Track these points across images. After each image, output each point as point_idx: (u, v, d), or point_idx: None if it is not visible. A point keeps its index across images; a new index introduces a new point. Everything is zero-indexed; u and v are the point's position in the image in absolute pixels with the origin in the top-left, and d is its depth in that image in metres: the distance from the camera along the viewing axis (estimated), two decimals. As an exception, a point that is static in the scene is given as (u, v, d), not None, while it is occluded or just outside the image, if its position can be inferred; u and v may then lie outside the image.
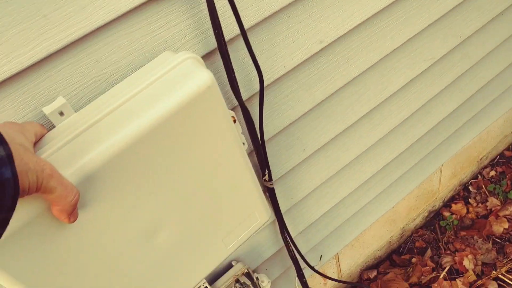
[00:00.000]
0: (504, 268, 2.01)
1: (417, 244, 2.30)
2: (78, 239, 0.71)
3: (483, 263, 2.12)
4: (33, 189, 0.55)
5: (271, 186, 1.27)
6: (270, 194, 1.28)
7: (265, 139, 1.19)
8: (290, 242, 1.45)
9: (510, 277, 1.96)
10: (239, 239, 1.09)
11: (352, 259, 2.05)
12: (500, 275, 1.98)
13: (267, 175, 1.23)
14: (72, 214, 0.64)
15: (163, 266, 0.92)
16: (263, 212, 1.11)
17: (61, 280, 0.73)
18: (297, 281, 1.61)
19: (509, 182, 2.39)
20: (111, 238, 0.77)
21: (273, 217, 1.43)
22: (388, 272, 2.17)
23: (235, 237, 1.07)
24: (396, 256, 2.27)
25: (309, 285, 1.66)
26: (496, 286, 1.96)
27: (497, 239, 2.21)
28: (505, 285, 1.96)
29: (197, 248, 0.98)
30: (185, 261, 0.97)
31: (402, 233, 2.28)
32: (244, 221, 1.07)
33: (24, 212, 0.62)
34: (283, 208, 1.41)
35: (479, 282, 2.01)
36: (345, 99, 1.36)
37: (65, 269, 0.73)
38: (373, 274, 2.18)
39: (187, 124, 0.76)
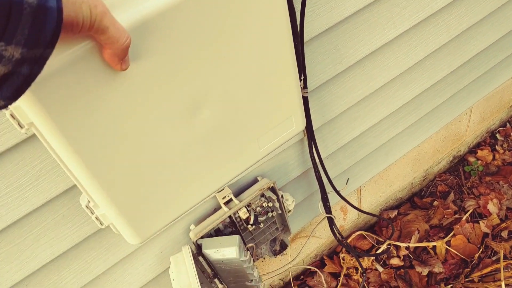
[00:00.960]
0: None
1: (439, 188, 2.25)
2: (124, 94, 0.67)
3: (508, 208, 2.07)
4: (86, 25, 0.49)
5: (305, 95, 1.22)
6: (304, 105, 1.23)
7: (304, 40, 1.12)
8: (318, 161, 1.41)
9: (536, 221, 1.91)
10: (273, 143, 1.04)
11: (373, 196, 2.01)
12: (525, 219, 1.94)
13: (302, 81, 1.17)
14: (124, 60, 0.59)
15: (200, 151, 0.88)
16: (300, 119, 1.06)
17: (99, 138, 0.69)
18: (320, 205, 1.57)
19: (539, 130, 2.31)
20: (157, 101, 0.72)
21: (302, 134, 1.39)
22: (409, 213, 2.14)
23: (269, 139, 1.03)
24: (418, 199, 2.23)
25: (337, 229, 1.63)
26: (521, 229, 1.92)
27: (523, 186, 2.15)
28: (530, 229, 1.92)
29: (234, 139, 0.93)
30: (221, 151, 0.93)
31: (425, 176, 2.23)
32: (281, 124, 1.03)
33: (71, 51, 0.58)
34: (314, 125, 1.36)
35: (503, 224, 1.96)
36: (386, 11, 1.29)
37: (106, 127, 0.68)
38: (393, 214, 2.15)
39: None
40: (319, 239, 1.96)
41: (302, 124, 1.08)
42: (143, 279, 1.35)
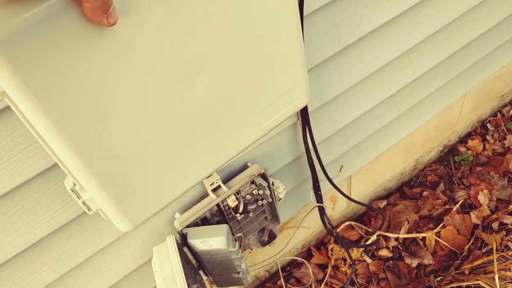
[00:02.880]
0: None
1: (429, 178, 2.20)
2: (108, 56, 0.57)
3: (498, 199, 2.03)
4: None
5: (301, 74, 1.14)
6: (299, 84, 1.14)
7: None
8: (312, 146, 1.33)
9: (527, 212, 1.88)
10: (275, 119, 0.96)
11: (363, 185, 1.95)
12: (516, 210, 1.90)
13: (299, 59, 1.09)
14: (109, 13, 0.51)
15: (195, 126, 0.79)
16: (304, 92, 0.98)
17: (83, 109, 0.60)
18: (312, 193, 1.50)
19: (529, 121, 2.28)
20: (149, 64, 0.63)
21: (296, 118, 1.31)
22: (398, 204, 2.08)
23: (271, 114, 0.94)
24: (407, 189, 2.18)
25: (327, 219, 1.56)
26: (512, 220, 1.89)
27: (513, 177, 2.12)
28: (521, 220, 1.88)
29: (233, 114, 0.85)
30: (218, 127, 0.84)
31: (415, 166, 2.18)
32: (284, 97, 0.94)
33: (45, 5, 0.49)
34: (309, 107, 1.28)
35: (494, 216, 1.93)
36: (388, -13, 1.21)
37: (90, 96, 0.59)
38: (382, 204, 2.09)
39: None
40: (306, 230, 1.89)
41: (307, 97, 0.99)
42: (124, 270, 1.26)
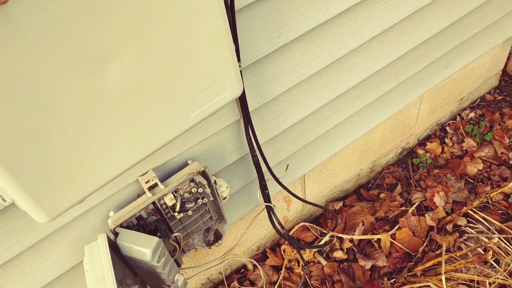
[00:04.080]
0: (476, 202, 1.93)
1: (387, 180, 2.20)
2: (5, 36, 0.54)
3: (454, 201, 2.04)
4: None
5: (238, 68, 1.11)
6: (236, 79, 1.12)
7: (235, 8, 1.01)
8: (254, 143, 1.31)
9: (480, 213, 1.88)
10: (205, 109, 0.93)
11: (318, 186, 1.93)
12: (469, 211, 1.90)
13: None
14: None
15: (113, 114, 0.76)
16: (235, 83, 0.96)
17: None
18: (259, 193, 1.48)
19: (487, 124, 2.29)
20: (50, 47, 0.60)
21: (239, 115, 1.28)
22: (355, 205, 2.07)
23: (200, 103, 0.91)
24: (364, 191, 2.17)
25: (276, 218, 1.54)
26: (465, 222, 1.88)
27: (470, 179, 2.13)
28: (474, 221, 1.88)
29: (155, 102, 0.82)
30: (139, 115, 0.81)
31: (372, 168, 2.17)
32: (213, 87, 0.92)
33: None
34: (251, 105, 1.26)
35: (448, 218, 1.92)
36: (329, -17, 1.20)
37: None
38: (338, 205, 2.08)
39: None
40: (261, 231, 1.87)
41: (238, 88, 0.97)
42: (57, 270, 1.21)
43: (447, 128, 2.35)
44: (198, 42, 0.81)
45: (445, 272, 1.59)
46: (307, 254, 1.91)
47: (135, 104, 0.79)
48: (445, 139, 2.30)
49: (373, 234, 1.96)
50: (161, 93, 0.82)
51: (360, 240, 1.96)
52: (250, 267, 1.93)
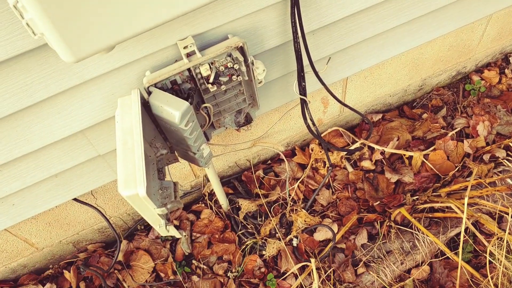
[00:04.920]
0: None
1: (433, 102, 2.12)
2: None
3: (498, 134, 1.95)
4: None
5: None
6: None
7: None
8: (299, 27, 1.26)
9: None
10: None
11: (360, 94, 1.88)
12: (511, 144, 1.82)
13: None
14: None
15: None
16: None
17: None
18: (295, 84, 1.46)
19: (556, 61, 2.13)
20: None
21: (286, -5, 1.23)
22: (394, 120, 2.03)
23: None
24: (407, 108, 2.11)
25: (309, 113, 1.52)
26: (505, 154, 1.82)
27: (521, 114, 2.02)
28: (514, 156, 1.82)
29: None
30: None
31: (421, 86, 2.09)
32: None
33: None
34: (300, -16, 1.20)
35: (487, 147, 1.86)
36: None
37: None
38: (377, 117, 2.04)
39: None
40: (293, 128, 1.87)
41: None
42: (91, 119, 1.27)
43: (511, 58, 2.19)
44: None
45: (470, 197, 1.57)
46: (335, 157, 1.92)
47: None
48: (505, 70, 2.16)
49: (407, 151, 1.93)
50: None
51: (392, 154, 1.94)
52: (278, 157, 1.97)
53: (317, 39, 1.43)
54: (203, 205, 1.90)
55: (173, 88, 1.25)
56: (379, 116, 2.04)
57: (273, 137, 1.85)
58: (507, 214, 1.61)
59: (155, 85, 1.20)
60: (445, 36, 1.79)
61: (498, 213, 1.65)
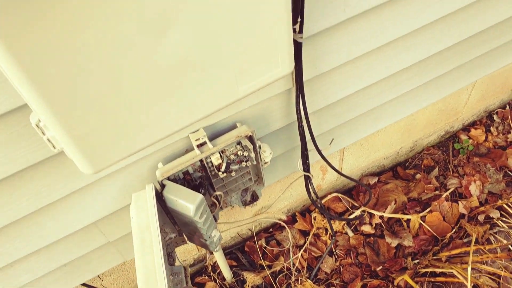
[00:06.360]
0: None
1: (425, 161, 2.19)
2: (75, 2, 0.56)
3: (490, 192, 2.02)
4: None
5: (299, 40, 1.11)
6: (296, 50, 1.12)
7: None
8: (304, 115, 1.32)
9: (515, 209, 1.87)
10: (254, 84, 0.95)
11: (356, 160, 1.94)
12: (504, 205, 1.89)
13: (298, 25, 1.06)
14: None
15: (166, 79, 0.78)
16: (287, 61, 0.96)
17: (46, 51, 0.59)
18: (299, 162, 1.50)
19: (537, 118, 2.23)
20: (117, 9, 0.62)
21: (291, 84, 1.29)
22: (389, 182, 2.08)
23: (250, 78, 0.93)
24: (401, 169, 2.17)
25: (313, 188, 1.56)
26: (499, 215, 1.88)
27: (510, 172, 2.09)
28: (507, 215, 1.87)
29: (208, 71, 0.84)
30: (191, 82, 0.83)
31: (413, 147, 2.16)
32: (265, 63, 0.93)
33: None
34: (304, 75, 1.26)
35: (482, 208, 1.92)
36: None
37: (55, 39, 0.58)
38: (373, 180, 2.09)
39: None
40: (293, 195, 1.91)
41: (289, 66, 0.98)
42: (104, 211, 1.28)
43: (495, 116, 2.29)
44: (259, 19, 0.82)
45: (471, 262, 1.61)
46: (336, 224, 1.95)
47: (189, 72, 0.81)
48: (491, 128, 2.26)
49: (404, 213, 1.98)
50: (215, 64, 0.84)
51: (390, 217, 1.98)
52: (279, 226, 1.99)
53: (319, 117, 1.48)
54: (206, 277, 1.89)
55: (185, 178, 1.27)
56: (375, 179, 2.09)
57: (274, 206, 1.88)
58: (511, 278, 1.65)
59: (168, 178, 1.22)
60: (434, 103, 1.87)
61: (501, 280, 1.69)
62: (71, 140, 0.79)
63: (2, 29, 0.54)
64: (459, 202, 1.96)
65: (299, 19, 1.04)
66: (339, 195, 2.01)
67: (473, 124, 2.29)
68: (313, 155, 1.52)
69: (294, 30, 1.06)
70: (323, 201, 2.01)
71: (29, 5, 0.54)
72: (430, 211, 1.96)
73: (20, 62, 0.59)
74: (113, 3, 0.61)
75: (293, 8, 0.99)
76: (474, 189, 2.00)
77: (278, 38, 0.88)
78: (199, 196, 1.17)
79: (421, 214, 1.94)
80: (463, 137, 2.23)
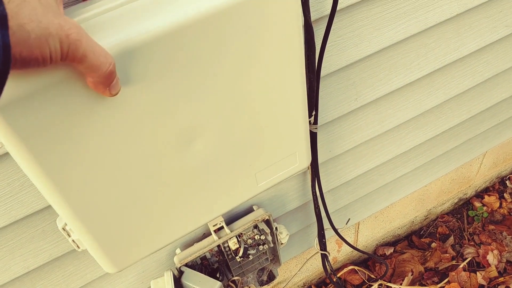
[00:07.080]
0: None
1: (440, 229, 2.17)
2: (108, 121, 0.60)
3: (508, 261, 1.99)
4: (57, 57, 0.44)
5: (314, 130, 1.15)
6: (311, 139, 1.16)
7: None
8: (320, 197, 1.34)
9: (536, 280, 1.83)
10: (272, 179, 0.98)
11: (371, 231, 1.93)
12: (525, 276, 1.86)
13: (313, 117, 1.10)
14: (111, 85, 0.53)
15: (190, 183, 0.81)
16: (305, 157, 0.99)
17: (76, 166, 0.62)
18: (316, 241, 1.50)
19: (551, 184, 2.23)
20: (146, 131, 0.66)
21: (307, 167, 1.32)
22: (405, 252, 2.06)
23: (269, 175, 0.96)
24: (416, 238, 2.16)
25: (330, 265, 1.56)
26: (519, 286, 1.85)
27: (527, 240, 2.07)
28: (529, 287, 1.84)
29: (229, 174, 0.86)
30: (213, 184, 0.86)
31: (427, 215, 2.15)
32: (283, 160, 0.96)
33: (48, 75, 0.51)
34: (319, 159, 1.29)
35: (501, 279, 1.89)
36: (412, 51, 1.21)
37: (86, 156, 0.62)
38: (389, 251, 2.07)
39: (254, 17, 0.63)
40: (309, 269, 1.89)
41: (306, 161, 1.01)
42: (120, 297, 1.28)
43: (507, 182, 2.29)
44: (278, 125, 0.86)
45: None
46: (353, 298, 1.92)
47: (211, 176, 0.84)
48: (504, 194, 2.25)
49: (421, 284, 1.94)
50: (236, 167, 0.87)
51: (408, 289, 1.95)
52: (294, 302, 1.96)
53: (334, 194, 1.50)
54: None
55: (202, 263, 1.28)
56: (391, 249, 2.08)
57: (290, 281, 1.86)
58: None
59: (186, 264, 1.23)
60: (447, 174, 1.89)
61: None
62: (96, 244, 0.81)
63: (35, 145, 0.57)
64: (477, 272, 1.93)
65: (313, 113, 1.08)
66: (355, 267, 1.99)
67: (486, 190, 2.29)
68: (328, 232, 1.53)
69: (309, 122, 1.10)
70: (339, 274, 1.98)
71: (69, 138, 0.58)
72: (448, 282, 1.93)
73: (57, 185, 0.62)
74: (150, 123, 0.65)
75: (310, 100, 1.04)
76: (492, 258, 1.97)
77: (297, 140, 0.92)
78: (218, 284, 1.17)
79: (439, 286, 1.91)
80: (477, 204, 2.23)
